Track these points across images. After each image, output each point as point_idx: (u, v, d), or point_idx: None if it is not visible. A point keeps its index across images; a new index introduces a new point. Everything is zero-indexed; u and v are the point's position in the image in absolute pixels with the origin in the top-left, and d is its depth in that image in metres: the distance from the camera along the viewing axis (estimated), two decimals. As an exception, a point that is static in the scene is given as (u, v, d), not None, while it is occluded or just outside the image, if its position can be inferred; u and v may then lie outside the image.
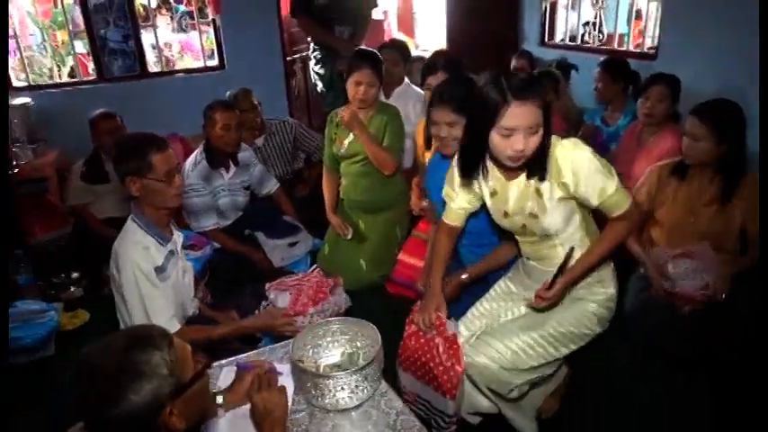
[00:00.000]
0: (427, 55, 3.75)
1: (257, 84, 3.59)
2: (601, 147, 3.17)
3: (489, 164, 1.65)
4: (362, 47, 3.29)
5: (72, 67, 5.24)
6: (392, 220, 2.94)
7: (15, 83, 4.27)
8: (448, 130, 1.96)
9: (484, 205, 1.81)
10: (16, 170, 3.34)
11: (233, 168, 2.93)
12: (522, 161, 1.52)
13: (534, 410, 1.95)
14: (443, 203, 1.89)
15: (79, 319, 2.83)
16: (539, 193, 1.59)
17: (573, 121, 3.55)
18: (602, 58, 3.43)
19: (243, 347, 1.91)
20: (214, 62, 4.82)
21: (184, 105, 3.88)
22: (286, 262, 2.94)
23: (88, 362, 0.98)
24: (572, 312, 1.74)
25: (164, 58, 5.13)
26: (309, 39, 4.04)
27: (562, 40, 4.85)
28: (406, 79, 3.46)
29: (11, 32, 4.20)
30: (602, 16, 4.38)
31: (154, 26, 4.80)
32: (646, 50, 3.95)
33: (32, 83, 4.45)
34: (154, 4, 5.35)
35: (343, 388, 1.39)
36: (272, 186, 3.16)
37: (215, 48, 4.78)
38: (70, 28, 4.69)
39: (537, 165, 1.55)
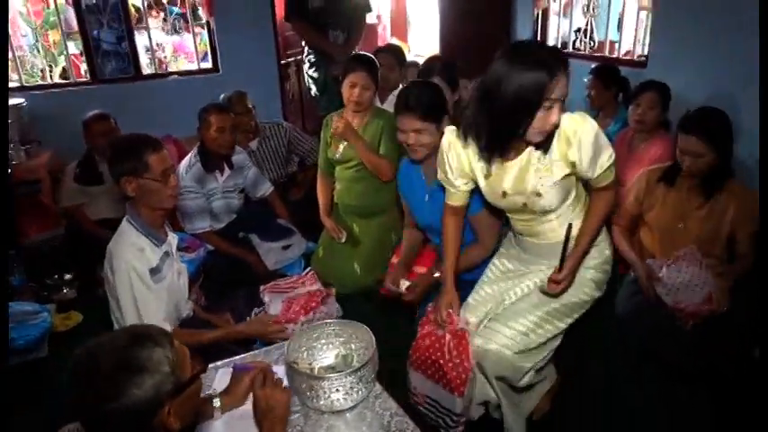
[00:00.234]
0: (421, 60, 3.78)
1: (251, 87, 3.60)
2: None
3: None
4: (358, 51, 3.32)
5: (64, 68, 5.22)
6: (386, 224, 2.96)
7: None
8: (415, 137, 1.97)
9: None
10: (9, 171, 3.32)
11: (227, 171, 2.94)
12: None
13: (529, 411, 1.97)
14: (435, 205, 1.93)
15: (72, 320, 2.83)
16: (545, 170, 1.60)
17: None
18: (593, 65, 3.47)
19: (237, 350, 1.92)
20: (208, 65, 4.83)
21: (178, 108, 3.88)
22: (280, 265, 2.95)
23: (89, 357, 0.98)
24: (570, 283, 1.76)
25: (157, 60, 5.12)
26: (303, 42, 4.05)
27: (554, 46, 4.90)
28: (402, 84, 3.48)
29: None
30: (593, 23, 4.43)
31: (147, 28, 4.80)
32: (636, 58, 4.00)
33: (25, 83, 4.43)
34: (147, 6, 5.34)
35: (337, 389, 1.40)
36: (266, 189, 3.17)
37: (209, 50, 4.79)
38: (63, 29, 4.67)
39: (546, 138, 1.56)
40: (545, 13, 4.89)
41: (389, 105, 3.28)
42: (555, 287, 1.69)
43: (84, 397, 0.96)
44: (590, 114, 3.51)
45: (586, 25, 4.55)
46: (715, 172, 2.20)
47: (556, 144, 1.57)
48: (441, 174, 1.82)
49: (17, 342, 2.45)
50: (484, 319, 1.85)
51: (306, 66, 4.04)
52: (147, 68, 4.78)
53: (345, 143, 2.78)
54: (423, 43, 7.08)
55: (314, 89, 4.01)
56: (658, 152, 2.81)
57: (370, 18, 4.39)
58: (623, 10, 4.25)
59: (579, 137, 1.54)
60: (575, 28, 4.78)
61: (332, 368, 1.59)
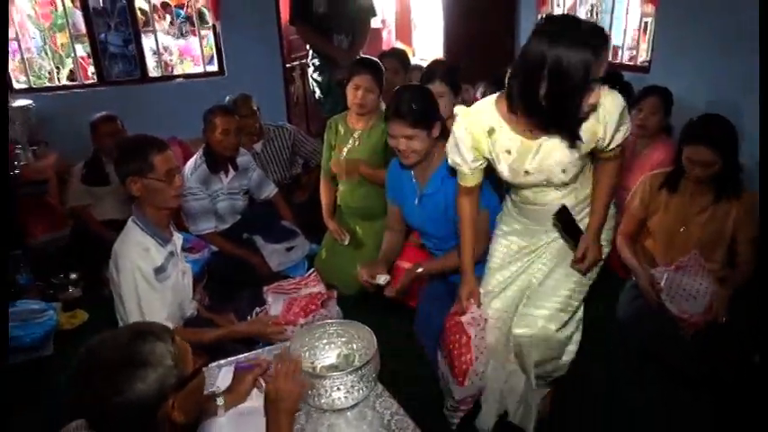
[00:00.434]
0: (425, 63, 3.81)
1: (257, 90, 3.63)
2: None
3: (511, 125, 1.61)
4: (363, 55, 3.34)
5: (71, 70, 5.27)
6: (388, 226, 2.98)
7: (16, 85, 4.30)
8: (406, 143, 1.98)
9: (453, 210, 1.89)
10: (17, 171, 3.36)
11: (232, 172, 2.97)
12: None
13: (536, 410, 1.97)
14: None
15: (77, 319, 2.85)
16: (572, 146, 1.57)
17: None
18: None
19: (240, 348, 1.94)
20: (213, 68, 4.87)
21: (184, 110, 3.92)
22: (283, 266, 2.97)
23: (94, 353, 1.00)
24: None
25: (163, 63, 5.17)
26: (308, 46, 4.08)
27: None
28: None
29: (12, 35, 4.23)
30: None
31: (154, 31, 4.85)
32: (638, 63, 4.02)
33: (33, 85, 4.48)
34: (154, 10, 5.39)
35: (339, 388, 1.42)
36: (270, 191, 3.20)
37: (214, 53, 4.83)
38: (71, 31, 4.72)
39: None
40: (549, 17, 4.91)
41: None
42: (584, 265, 1.71)
43: (89, 393, 0.98)
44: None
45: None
46: (722, 177, 2.22)
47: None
48: (453, 158, 1.76)
49: (23, 340, 2.47)
50: (512, 305, 1.84)
51: (310, 69, 4.07)
52: (153, 71, 4.83)
53: (348, 146, 2.81)
54: (427, 47, 7.11)
55: (318, 92, 4.03)
56: (661, 157, 2.82)
57: (374, 22, 4.42)
58: (626, 15, 4.27)
59: (610, 113, 1.53)
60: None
61: (334, 367, 1.61)
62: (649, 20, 3.95)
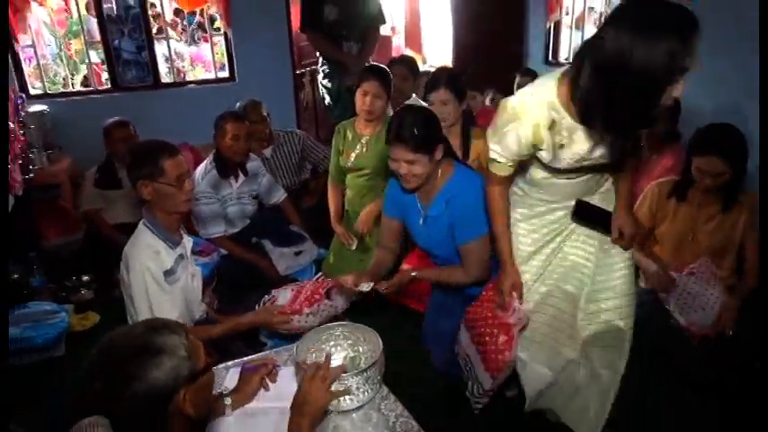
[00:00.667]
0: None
1: (267, 96, 3.66)
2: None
3: (571, 114, 1.51)
4: (372, 62, 3.38)
5: (85, 76, 5.35)
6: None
7: (32, 91, 4.37)
8: (407, 167, 1.93)
9: (453, 232, 1.91)
10: (31, 175, 3.43)
11: (242, 177, 3.00)
12: None
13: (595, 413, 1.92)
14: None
15: (89, 320, 2.90)
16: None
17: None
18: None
19: (247, 350, 1.96)
20: (225, 74, 4.92)
21: (195, 115, 3.96)
22: (291, 270, 2.99)
23: (110, 344, 1.03)
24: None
25: (175, 69, 5.24)
26: (318, 53, 4.13)
27: (566, 58, 4.93)
28: (414, 95, 3.53)
29: (29, 42, 4.32)
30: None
31: (167, 38, 4.92)
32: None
33: (48, 91, 4.56)
34: (168, 17, 5.46)
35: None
36: (279, 196, 3.23)
37: (226, 60, 4.89)
38: (86, 38, 4.80)
39: None
40: (557, 25, 4.93)
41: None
42: (624, 242, 1.72)
43: (105, 381, 1.01)
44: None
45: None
46: (731, 186, 2.22)
47: None
48: (499, 151, 1.63)
49: (35, 340, 2.52)
50: (556, 287, 1.81)
51: (320, 76, 4.11)
52: (165, 77, 4.89)
53: (356, 151, 2.83)
54: (437, 54, 7.15)
55: (328, 99, 4.07)
56: (669, 163, 2.82)
57: (384, 29, 4.46)
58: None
59: None
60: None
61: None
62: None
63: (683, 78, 1.28)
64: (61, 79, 5.34)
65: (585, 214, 1.71)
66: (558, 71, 1.54)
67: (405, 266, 2.36)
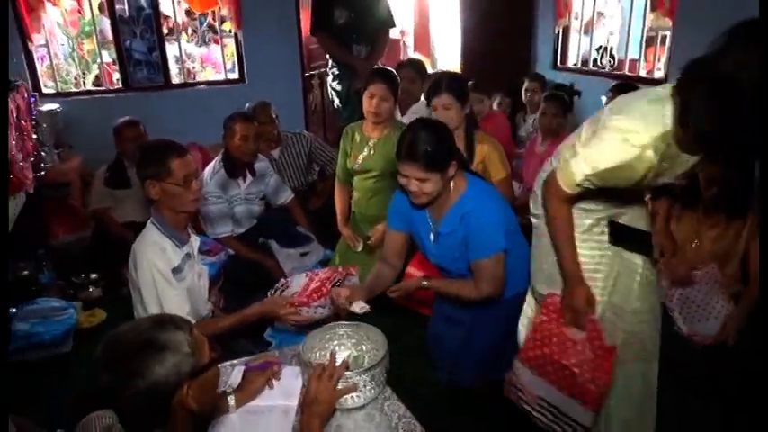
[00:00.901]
0: (443, 73, 3.85)
1: (276, 97, 3.70)
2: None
3: (676, 138, 1.38)
4: (380, 65, 3.40)
5: (96, 76, 5.41)
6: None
7: (44, 90, 4.43)
8: (418, 184, 1.81)
9: (466, 247, 1.84)
10: (42, 173, 3.47)
11: (249, 178, 3.02)
12: None
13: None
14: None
15: (96, 317, 2.93)
16: None
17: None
18: (613, 83, 3.50)
19: (252, 349, 1.98)
20: (234, 75, 4.96)
21: (205, 116, 4.00)
22: (297, 271, 3.00)
23: (117, 338, 1.06)
24: None
25: (186, 70, 5.28)
26: (328, 56, 4.15)
27: (575, 64, 4.93)
28: (423, 97, 3.54)
29: (42, 41, 4.37)
30: (615, 41, 4.47)
31: (178, 39, 4.96)
32: (655, 77, 4.03)
33: (60, 90, 4.61)
34: (180, 19, 5.51)
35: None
36: (286, 197, 3.25)
37: (236, 61, 4.93)
38: (98, 38, 4.86)
39: None
40: (566, 30, 4.94)
41: (410, 117, 3.35)
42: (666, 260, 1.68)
43: (110, 375, 1.03)
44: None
45: (608, 43, 4.58)
46: (737, 194, 2.21)
47: None
48: (585, 169, 1.46)
49: (43, 336, 2.55)
50: (627, 298, 1.67)
51: (329, 78, 4.13)
52: (176, 78, 4.94)
53: (364, 154, 2.85)
54: (446, 58, 7.16)
55: (337, 101, 4.10)
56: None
57: (393, 33, 4.48)
58: (643, 29, 4.27)
59: None
60: (596, 46, 4.82)
61: (344, 369, 1.64)
62: (667, 33, 3.96)
63: None
64: (73, 79, 5.40)
65: (623, 236, 1.61)
66: (663, 90, 1.40)
67: (410, 270, 2.35)
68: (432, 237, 1.99)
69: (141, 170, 1.89)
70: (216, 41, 5.77)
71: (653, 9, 4.18)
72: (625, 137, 1.37)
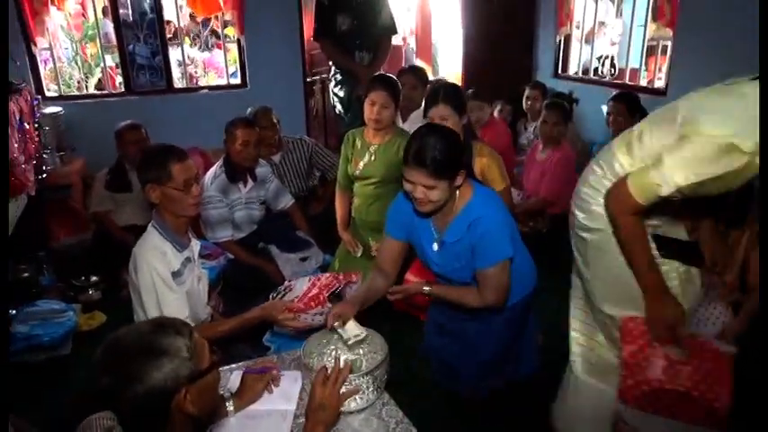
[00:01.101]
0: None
1: (278, 102, 3.71)
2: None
3: None
4: (382, 72, 3.41)
5: (99, 80, 5.44)
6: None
7: (47, 93, 4.44)
8: (424, 191, 1.74)
9: (473, 255, 1.81)
10: (44, 176, 3.48)
11: (250, 183, 3.03)
12: None
13: None
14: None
15: (96, 320, 2.93)
16: None
17: (578, 149, 3.66)
18: (614, 92, 3.52)
19: (251, 354, 1.98)
20: (236, 80, 4.98)
21: (207, 120, 4.01)
22: (297, 276, 3.01)
23: (117, 341, 1.06)
24: None
25: (188, 75, 5.31)
26: (330, 62, 4.17)
27: (576, 72, 4.95)
28: (424, 103, 3.56)
29: (46, 44, 4.39)
30: (616, 51, 4.49)
31: (181, 44, 4.99)
32: (656, 86, 4.04)
33: (63, 93, 4.63)
34: (183, 23, 5.55)
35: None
36: (287, 202, 3.26)
37: (238, 66, 4.95)
38: (102, 42, 4.88)
39: None
40: (567, 39, 4.96)
41: (411, 124, 3.36)
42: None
43: (109, 378, 1.04)
44: (607, 140, 3.57)
45: (608, 52, 4.60)
46: (737, 202, 2.22)
47: None
48: (678, 177, 1.39)
49: (43, 338, 2.55)
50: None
51: (331, 84, 4.15)
52: (178, 82, 4.97)
53: (365, 160, 2.86)
54: (447, 65, 7.20)
55: (339, 107, 4.11)
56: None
57: (395, 40, 4.50)
58: (644, 38, 4.30)
59: None
60: (597, 55, 4.84)
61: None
62: (668, 43, 3.98)
63: None
64: (76, 82, 5.43)
65: (672, 249, 1.56)
66: (742, 86, 1.40)
67: (409, 276, 2.35)
68: (435, 246, 1.93)
69: (142, 174, 1.90)
70: (218, 46, 5.81)
71: (654, 19, 4.21)
72: (730, 142, 1.31)
